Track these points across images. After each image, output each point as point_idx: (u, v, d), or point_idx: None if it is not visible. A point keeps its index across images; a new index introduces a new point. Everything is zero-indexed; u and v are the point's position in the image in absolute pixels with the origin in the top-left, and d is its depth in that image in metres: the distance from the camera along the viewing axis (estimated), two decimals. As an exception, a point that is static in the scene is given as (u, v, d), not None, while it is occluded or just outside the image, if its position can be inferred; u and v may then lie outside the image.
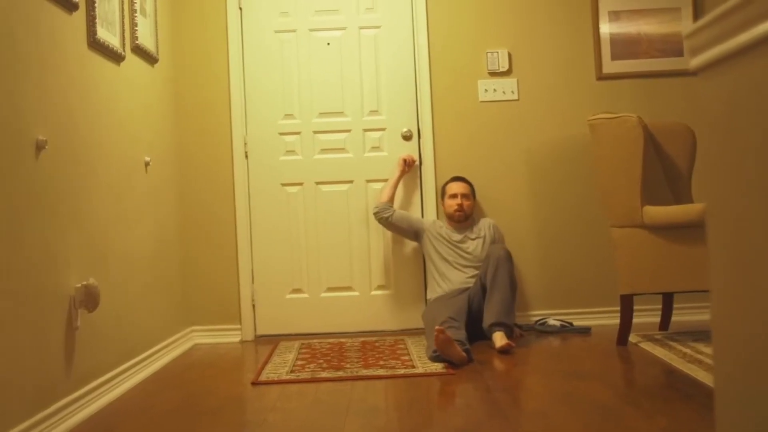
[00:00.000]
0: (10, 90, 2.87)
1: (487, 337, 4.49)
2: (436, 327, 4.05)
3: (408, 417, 3.20)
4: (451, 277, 4.85)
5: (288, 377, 3.92)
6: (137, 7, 4.32)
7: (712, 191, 1.73)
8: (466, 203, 4.96)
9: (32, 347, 2.95)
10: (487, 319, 4.48)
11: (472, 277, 4.80)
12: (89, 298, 3.35)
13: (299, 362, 4.27)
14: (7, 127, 2.83)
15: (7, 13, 2.87)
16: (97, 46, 3.73)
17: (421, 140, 5.22)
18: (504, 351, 4.31)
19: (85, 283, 3.36)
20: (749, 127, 1.51)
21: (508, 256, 4.61)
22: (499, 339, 4.37)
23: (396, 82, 5.25)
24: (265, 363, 4.30)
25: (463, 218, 4.95)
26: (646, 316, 4.85)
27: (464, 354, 4.05)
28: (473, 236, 4.94)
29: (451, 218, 4.97)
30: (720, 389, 1.75)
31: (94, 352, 3.55)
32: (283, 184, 5.25)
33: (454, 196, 4.96)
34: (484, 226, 5.00)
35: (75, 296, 3.31)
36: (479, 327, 4.55)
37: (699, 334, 4.44)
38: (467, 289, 4.75)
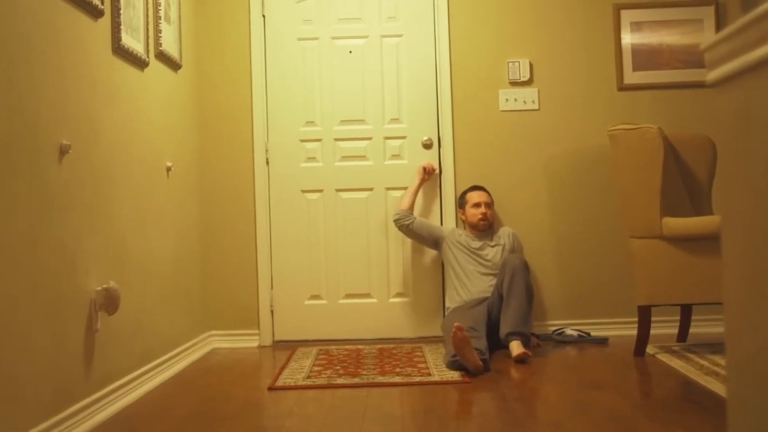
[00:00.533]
0: (35, 94, 2.91)
1: (505, 346, 4.50)
2: (455, 324, 4.05)
3: (423, 425, 3.21)
4: (470, 285, 4.86)
5: (304, 383, 3.94)
6: (162, 14, 4.36)
7: (727, 204, 1.74)
8: (489, 212, 4.98)
9: (51, 349, 2.99)
10: (504, 328, 4.49)
11: (491, 285, 4.80)
12: (109, 301, 3.38)
13: (316, 368, 4.29)
14: (31, 131, 2.87)
15: (33, 20, 2.92)
16: (121, 52, 3.77)
17: (441, 149, 5.23)
18: (520, 360, 4.32)
19: (105, 286, 3.40)
20: (763, 141, 1.52)
21: (525, 265, 4.62)
22: (516, 348, 4.37)
23: (417, 91, 5.27)
24: (282, 368, 4.32)
25: (487, 227, 4.97)
26: (664, 327, 4.84)
27: (480, 363, 4.05)
28: (493, 243, 4.96)
29: (474, 227, 4.98)
30: (733, 401, 1.76)
31: (113, 355, 3.58)
32: (304, 191, 5.27)
33: (477, 205, 4.97)
34: (504, 234, 5.02)
35: (95, 299, 3.35)
36: (497, 337, 4.56)
37: (717, 347, 4.42)
38: (486, 298, 4.75)
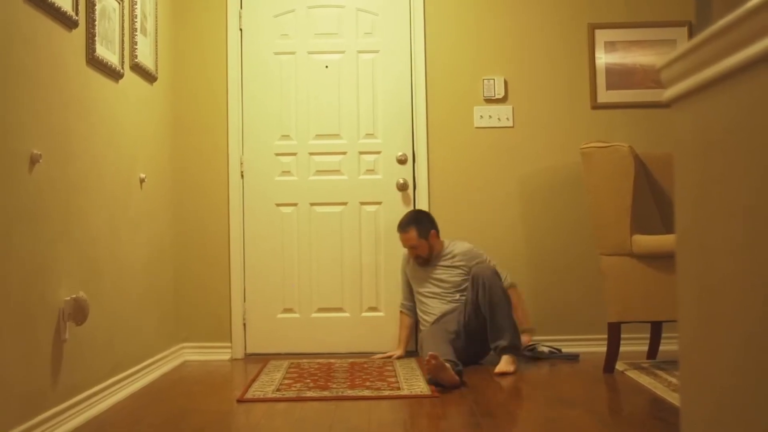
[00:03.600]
0: (6, 103, 2.91)
1: (483, 356, 4.63)
2: (429, 353, 4.07)
3: (390, 438, 3.22)
4: (430, 308, 4.90)
5: (274, 395, 3.94)
6: (138, 26, 4.38)
7: (681, 221, 1.77)
8: (419, 249, 4.94)
9: (19, 357, 2.98)
10: (500, 341, 4.52)
11: (450, 303, 4.84)
12: (78, 311, 3.38)
13: (286, 381, 4.30)
14: (1, 140, 2.87)
15: (5, 29, 2.92)
16: (95, 63, 3.78)
17: (415, 164, 5.26)
18: (503, 374, 4.38)
19: (74, 296, 3.39)
20: (717, 158, 1.55)
21: (495, 273, 4.65)
22: (506, 364, 4.45)
23: (392, 106, 5.30)
24: (253, 381, 4.32)
25: (426, 259, 4.98)
26: (635, 344, 4.87)
27: (457, 378, 4.08)
28: (445, 263, 4.97)
29: (415, 261, 5.03)
30: (686, 414, 1.78)
31: (82, 365, 3.57)
32: (278, 205, 5.29)
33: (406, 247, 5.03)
34: (458, 252, 4.99)
35: (64, 309, 3.34)
36: (472, 348, 4.60)
37: (686, 364, 4.45)
38: (448, 312, 4.79)
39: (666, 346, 4.83)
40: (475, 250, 5.02)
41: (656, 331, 4.78)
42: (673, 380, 4.03)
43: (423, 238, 4.93)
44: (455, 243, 5.04)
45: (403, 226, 4.97)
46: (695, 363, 1.70)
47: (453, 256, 4.98)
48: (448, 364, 4.07)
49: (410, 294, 5.08)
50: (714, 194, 1.57)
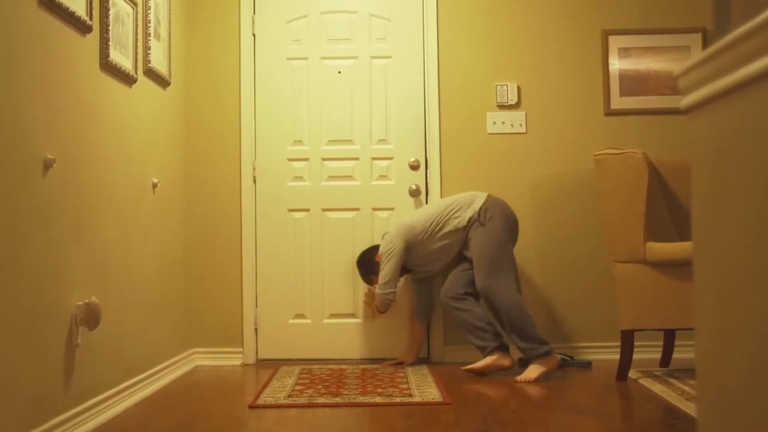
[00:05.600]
0: (20, 108, 2.91)
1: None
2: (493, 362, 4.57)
3: (402, 445, 3.20)
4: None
5: (285, 402, 3.94)
6: (151, 30, 4.38)
7: (699, 229, 1.76)
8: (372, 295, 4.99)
9: (31, 362, 2.98)
10: (528, 351, 4.59)
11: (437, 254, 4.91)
12: (90, 316, 3.38)
13: (298, 387, 4.29)
14: (16, 145, 2.87)
15: (19, 33, 2.93)
16: (109, 68, 3.79)
17: (428, 170, 5.25)
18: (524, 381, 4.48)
19: (87, 301, 3.39)
20: (733, 167, 1.54)
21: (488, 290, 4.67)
22: (533, 371, 4.51)
23: (405, 112, 5.30)
24: (264, 387, 4.31)
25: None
26: (648, 352, 4.85)
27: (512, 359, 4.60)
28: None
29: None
30: (703, 424, 1.76)
31: (94, 370, 3.57)
32: (290, 210, 5.28)
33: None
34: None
35: (76, 313, 3.34)
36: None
37: (699, 372, 4.42)
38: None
39: (679, 354, 4.80)
40: (385, 235, 4.94)
41: (669, 338, 4.76)
42: (687, 389, 4.00)
43: (376, 274, 4.91)
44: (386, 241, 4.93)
45: (365, 281, 5.10)
46: (712, 371, 1.68)
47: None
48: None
49: (419, 299, 5.06)
50: (731, 202, 1.56)
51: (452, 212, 4.80)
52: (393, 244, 4.78)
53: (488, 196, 4.84)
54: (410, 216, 4.99)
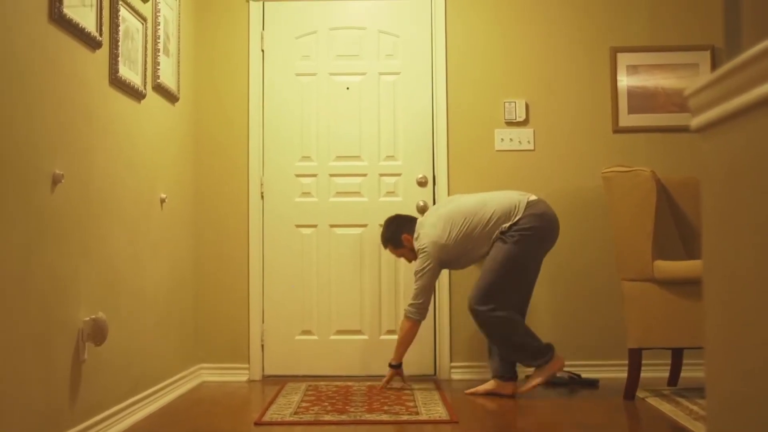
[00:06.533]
0: (30, 123, 2.92)
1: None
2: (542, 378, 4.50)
3: (409, 463, 3.19)
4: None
5: (291, 419, 3.92)
6: (161, 46, 4.40)
7: (709, 250, 1.75)
8: (406, 258, 4.92)
9: (38, 377, 2.98)
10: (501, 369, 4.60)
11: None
12: (97, 332, 3.37)
13: (304, 404, 4.27)
14: (25, 160, 2.88)
15: (29, 49, 2.94)
16: (118, 83, 3.79)
17: (436, 186, 5.25)
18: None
19: (93, 316, 3.39)
20: (745, 188, 1.53)
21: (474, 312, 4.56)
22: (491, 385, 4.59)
23: (413, 128, 5.30)
24: (270, 403, 4.30)
25: (412, 258, 4.84)
26: (656, 370, 4.83)
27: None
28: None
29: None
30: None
31: (100, 386, 3.57)
32: (298, 226, 5.28)
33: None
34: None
35: (83, 329, 3.34)
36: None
37: (708, 392, 4.40)
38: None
39: (687, 373, 4.78)
40: (421, 250, 4.67)
41: (677, 357, 4.73)
42: (695, 408, 3.98)
43: (400, 247, 4.86)
44: (421, 241, 4.71)
45: (383, 244, 4.98)
46: (723, 391, 1.67)
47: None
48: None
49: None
50: (742, 222, 1.55)
51: (490, 225, 4.56)
52: (427, 263, 4.60)
53: (528, 205, 4.56)
54: (443, 218, 4.66)
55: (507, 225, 4.51)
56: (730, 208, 1.61)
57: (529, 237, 4.51)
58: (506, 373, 4.56)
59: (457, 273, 5.10)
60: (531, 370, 4.63)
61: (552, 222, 4.60)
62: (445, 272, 5.13)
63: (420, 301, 4.61)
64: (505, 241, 4.51)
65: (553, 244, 4.68)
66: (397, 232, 4.86)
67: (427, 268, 4.60)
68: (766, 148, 1.42)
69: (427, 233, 4.65)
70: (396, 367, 4.73)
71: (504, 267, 4.49)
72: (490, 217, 4.55)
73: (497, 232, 4.53)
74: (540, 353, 4.51)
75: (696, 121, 1.75)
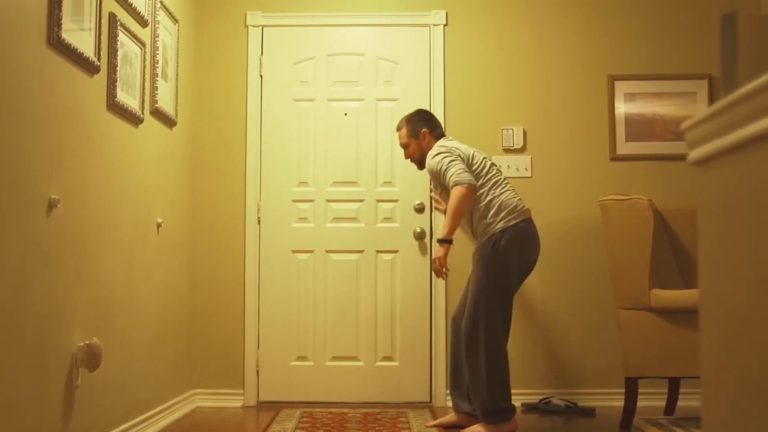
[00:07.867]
0: (26, 148, 2.92)
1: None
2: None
3: (403, 493, 3.16)
4: None
5: (286, 446, 3.90)
6: (159, 71, 4.40)
7: (706, 281, 1.74)
8: (409, 152, 4.59)
9: (31, 402, 2.96)
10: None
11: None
12: (91, 358, 3.36)
13: (298, 431, 4.25)
14: (20, 184, 2.87)
15: (27, 73, 2.94)
16: (115, 108, 3.80)
17: (433, 213, 5.24)
18: None
19: (88, 342, 3.37)
20: (740, 222, 1.53)
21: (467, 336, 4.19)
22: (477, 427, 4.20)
23: (410, 155, 5.29)
24: (265, 430, 4.27)
25: (420, 165, 4.58)
26: (652, 399, 4.81)
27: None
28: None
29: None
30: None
31: (93, 411, 3.54)
32: (294, 251, 5.27)
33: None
34: (428, 167, 4.40)
35: (77, 354, 3.32)
36: None
37: (704, 422, 4.38)
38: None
39: (684, 402, 4.76)
40: (436, 166, 4.29)
41: (674, 386, 4.72)
42: (692, 438, 3.96)
43: (413, 137, 4.54)
44: (434, 149, 4.38)
45: (398, 124, 4.66)
46: (719, 422, 1.66)
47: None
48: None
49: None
50: (737, 255, 1.55)
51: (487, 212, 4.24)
52: (447, 157, 4.26)
53: (515, 225, 4.21)
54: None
55: (491, 233, 4.19)
56: (726, 241, 1.61)
57: (504, 258, 4.19)
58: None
59: (453, 296, 5.08)
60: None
61: (527, 257, 4.32)
62: (441, 295, 5.13)
63: (462, 175, 4.16)
64: (484, 250, 4.22)
65: (522, 276, 4.34)
66: (421, 122, 4.54)
67: (450, 159, 4.23)
68: (761, 183, 1.42)
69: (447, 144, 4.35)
70: (449, 242, 4.22)
71: (485, 280, 4.20)
72: (491, 201, 4.27)
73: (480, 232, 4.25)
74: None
75: (693, 155, 1.75)
